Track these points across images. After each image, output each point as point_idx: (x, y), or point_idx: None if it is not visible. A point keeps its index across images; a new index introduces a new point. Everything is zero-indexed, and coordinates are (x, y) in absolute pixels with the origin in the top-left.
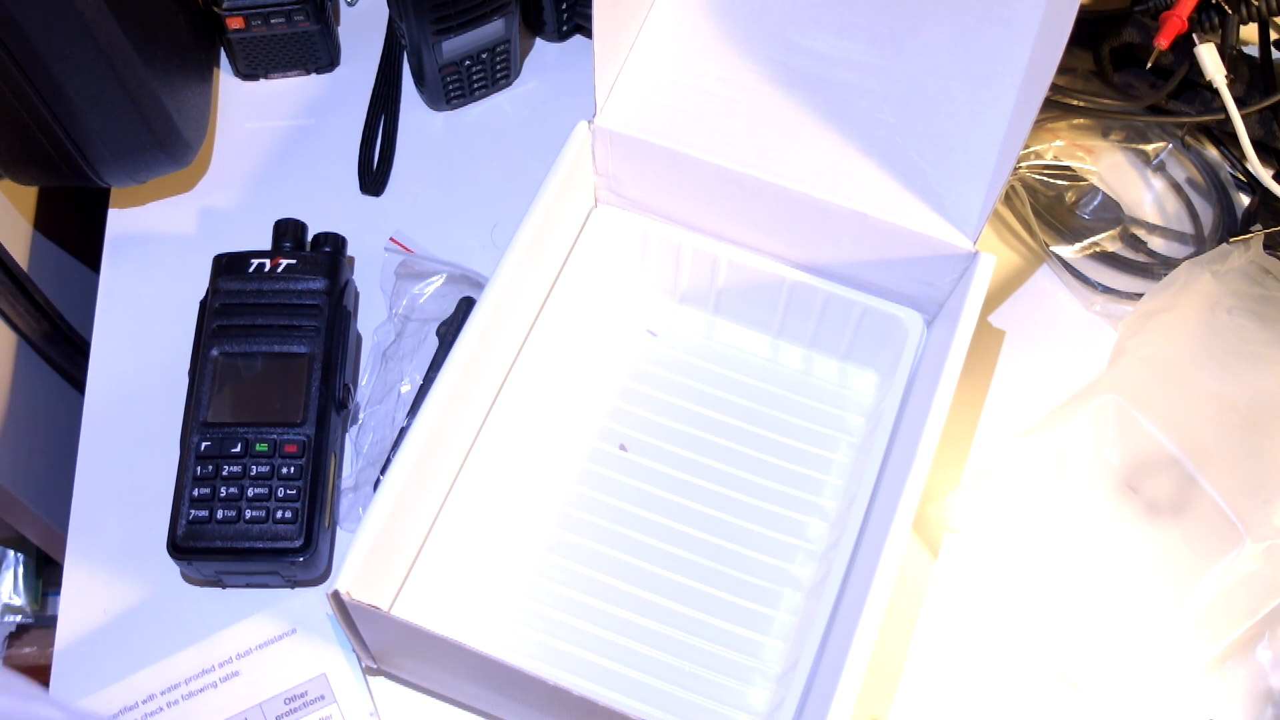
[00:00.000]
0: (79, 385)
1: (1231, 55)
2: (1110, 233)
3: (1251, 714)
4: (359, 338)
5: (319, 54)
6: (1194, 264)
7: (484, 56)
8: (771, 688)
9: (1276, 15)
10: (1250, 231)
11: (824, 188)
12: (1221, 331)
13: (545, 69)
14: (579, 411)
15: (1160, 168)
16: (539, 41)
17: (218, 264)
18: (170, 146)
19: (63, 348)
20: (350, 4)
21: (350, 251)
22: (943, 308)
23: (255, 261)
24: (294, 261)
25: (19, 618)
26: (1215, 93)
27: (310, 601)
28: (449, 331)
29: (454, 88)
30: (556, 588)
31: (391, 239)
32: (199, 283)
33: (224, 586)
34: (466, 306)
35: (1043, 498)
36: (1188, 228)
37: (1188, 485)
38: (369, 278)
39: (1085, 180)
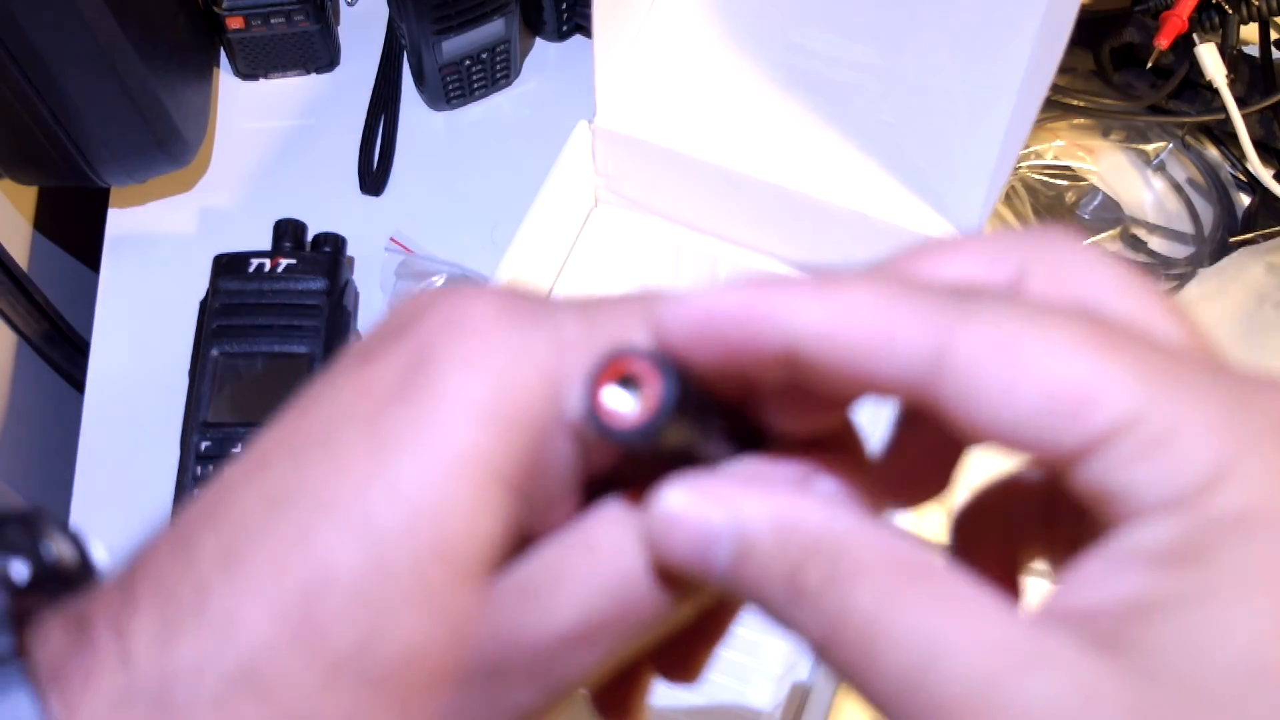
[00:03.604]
0: (79, 385)
1: (1231, 55)
2: (1110, 233)
3: None
4: (359, 338)
5: (319, 54)
6: (1250, 252)
7: (484, 56)
8: (771, 688)
9: (1276, 15)
10: (1251, 232)
11: (824, 188)
12: (1261, 329)
13: (545, 69)
14: None
15: (1160, 168)
16: (539, 41)
17: (218, 264)
18: (170, 146)
19: (63, 348)
20: (350, 4)
21: (350, 251)
22: None
23: (255, 261)
24: (294, 261)
25: None
26: (1215, 93)
27: None
28: None
29: (454, 88)
30: None
31: (391, 239)
32: (199, 283)
33: None
34: None
35: None
36: (1188, 228)
37: None
38: (369, 278)
39: (1085, 180)
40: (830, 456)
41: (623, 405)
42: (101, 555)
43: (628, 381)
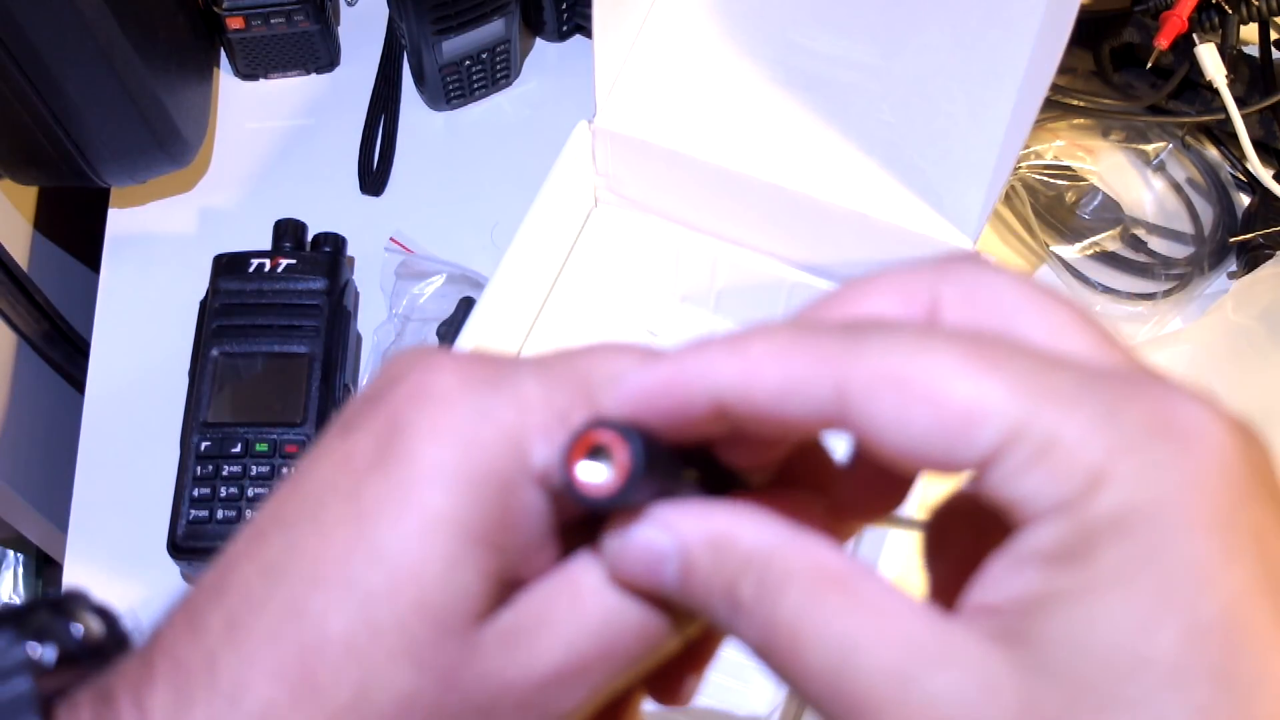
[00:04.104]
0: (79, 385)
1: (1231, 55)
2: (1110, 233)
3: None
4: (359, 338)
5: (319, 54)
6: None
7: (484, 56)
8: (772, 688)
9: (1276, 15)
10: (1251, 232)
11: (824, 188)
12: None
13: (545, 69)
14: None
15: (1160, 168)
16: (539, 41)
17: (218, 264)
18: (170, 146)
19: (63, 348)
20: (350, 4)
21: (350, 251)
22: None
23: (255, 261)
24: (294, 261)
25: None
26: (1215, 93)
27: None
28: (449, 331)
29: (454, 88)
30: None
31: (391, 239)
32: (199, 283)
33: None
34: (466, 306)
35: None
36: (1188, 228)
37: None
38: (369, 278)
39: (1085, 180)
40: (804, 495)
41: (596, 475)
42: (134, 626)
43: (598, 451)
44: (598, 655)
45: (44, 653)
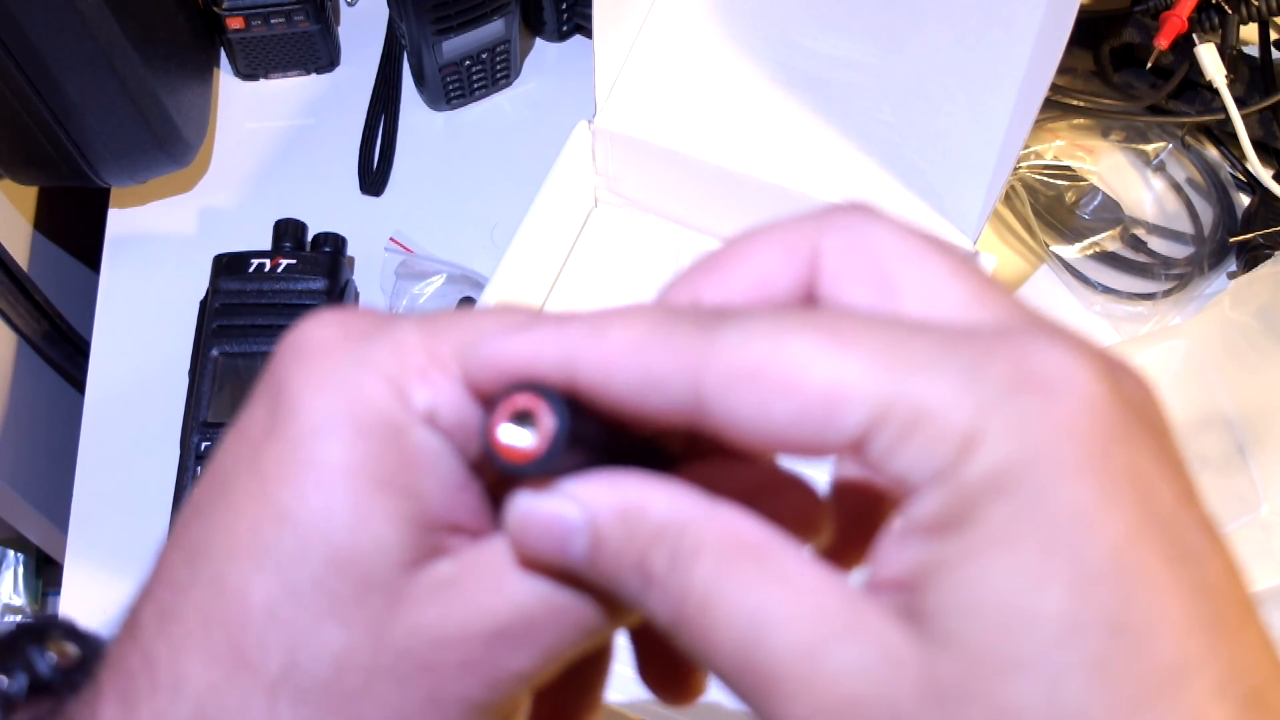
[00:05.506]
0: (79, 385)
1: (1231, 55)
2: (1110, 233)
3: None
4: None
5: (319, 54)
6: None
7: (484, 56)
8: None
9: (1276, 15)
10: (1250, 232)
11: (824, 188)
12: None
13: (545, 69)
14: None
15: (1160, 168)
16: (539, 41)
17: (218, 264)
18: (170, 146)
19: (63, 348)
20: (350, 4)
21: (350, 251)
22: None
23: (255, 261)
24: (294, 261)
25: (19, 618)
26: (1215, 93)
27: None
28: None
29: (454, 88)
30: None
31: (391, 239)
32: (199, 283)
33: None
34: (466, 307)
35: None
36: (1188, 228)
37: (1233, 453)
38: (369, 278)
39: (1085, 180)
40: (726, 465)
41: (519, 440)
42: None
43: (523, 417)
44: (548, 612)
45: (13, 684)
